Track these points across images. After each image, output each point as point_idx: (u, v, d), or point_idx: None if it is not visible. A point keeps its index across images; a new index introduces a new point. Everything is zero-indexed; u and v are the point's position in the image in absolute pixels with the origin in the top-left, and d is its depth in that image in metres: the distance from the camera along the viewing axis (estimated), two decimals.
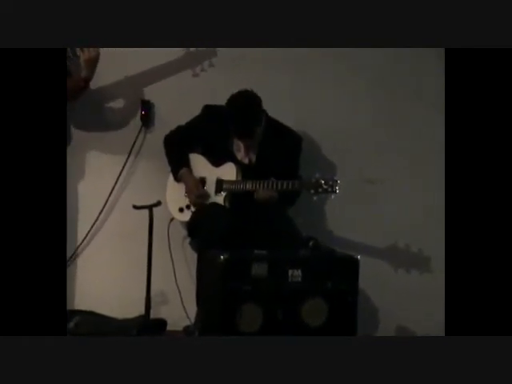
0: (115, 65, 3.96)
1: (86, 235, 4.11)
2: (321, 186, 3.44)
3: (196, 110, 3.88)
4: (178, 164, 3.88)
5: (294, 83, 4.06)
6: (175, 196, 3.88)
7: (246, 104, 3.67)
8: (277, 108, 3.79)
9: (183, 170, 3.85)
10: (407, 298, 4.07)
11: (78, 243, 4.09)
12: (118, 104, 4.13)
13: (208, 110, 3.88)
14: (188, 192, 3.82)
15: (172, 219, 3.89)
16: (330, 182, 3.44)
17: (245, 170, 3.78)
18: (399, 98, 4.09)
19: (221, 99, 3.73)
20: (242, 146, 3.81)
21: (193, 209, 3.82)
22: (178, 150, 3.89)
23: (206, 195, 3.80)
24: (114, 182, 4.11)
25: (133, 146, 4.10)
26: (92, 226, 4.11)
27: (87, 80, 3.75)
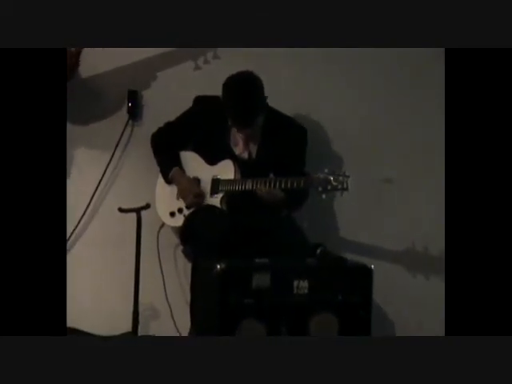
0: (104, 56, 3.72)
1: (67, 241, 3.72)
2: (330, 182, 3.10)
3: (188, 101, 3.62)
4: (168, 163, 3.53)
5: (295, 83, 4.05)
6: (165, 199, 3.54)
7: (245, 87, 3.33)
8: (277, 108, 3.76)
9: (175, 170, 3.52)
10: (409, 297, 4.04)
11: None
12: (103, 95, 3.85)
13: (200, 101, 3.56)
14: (183, 193, 3.48)
15: (162, 225, 3.58)
16: (341, 178, 3.10)
17: (244, 167, 3.44)
18: (399, 98, 4.09)
19: (215, 92, 3.48)
20: (240, 138, 3.49)
21: (186, 212, 3.48)
22: (167, 148, 3.56)
23: (204, 194, 3.46)
24: (97, 182, 3.80)
25: (119, 141, 3.80)
26: (73, 232, 3.77)
27: (77, 54, 3.55)
